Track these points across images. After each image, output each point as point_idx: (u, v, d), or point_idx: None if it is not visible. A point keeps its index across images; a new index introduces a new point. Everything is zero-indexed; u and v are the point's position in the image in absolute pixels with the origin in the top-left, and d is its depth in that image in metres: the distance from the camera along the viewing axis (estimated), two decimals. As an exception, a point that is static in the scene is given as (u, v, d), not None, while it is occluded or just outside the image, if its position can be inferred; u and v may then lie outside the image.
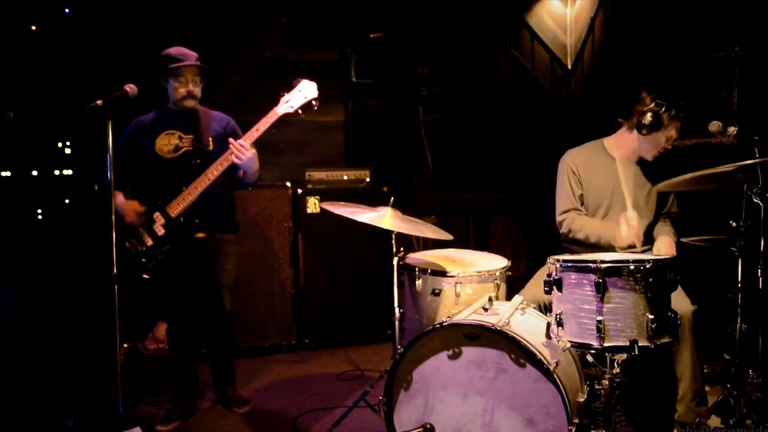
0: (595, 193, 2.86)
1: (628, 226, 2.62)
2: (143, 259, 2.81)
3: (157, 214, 2.84)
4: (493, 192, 5.18)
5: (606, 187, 2.84)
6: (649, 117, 2.67)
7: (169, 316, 3.16)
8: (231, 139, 2.83)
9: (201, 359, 3.24)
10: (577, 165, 2.89)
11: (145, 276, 2.81)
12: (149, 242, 2.83)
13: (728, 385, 2.49)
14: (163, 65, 2.93)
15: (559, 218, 2.90)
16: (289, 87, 2.87)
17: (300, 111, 2.86)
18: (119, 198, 2.92)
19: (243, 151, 2.80)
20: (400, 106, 4.86)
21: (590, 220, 2.83)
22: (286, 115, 2.86)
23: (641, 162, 2.88)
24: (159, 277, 2.86)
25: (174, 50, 2.94)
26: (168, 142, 2.95)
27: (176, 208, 2.83)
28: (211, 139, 2.99)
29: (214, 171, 2.83)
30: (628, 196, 2.72)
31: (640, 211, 2.77)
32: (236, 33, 4.42)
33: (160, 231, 2.83)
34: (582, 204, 2.90)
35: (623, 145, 2.87)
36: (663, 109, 2.66)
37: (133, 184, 3.00)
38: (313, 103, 2.87)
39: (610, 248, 2.72)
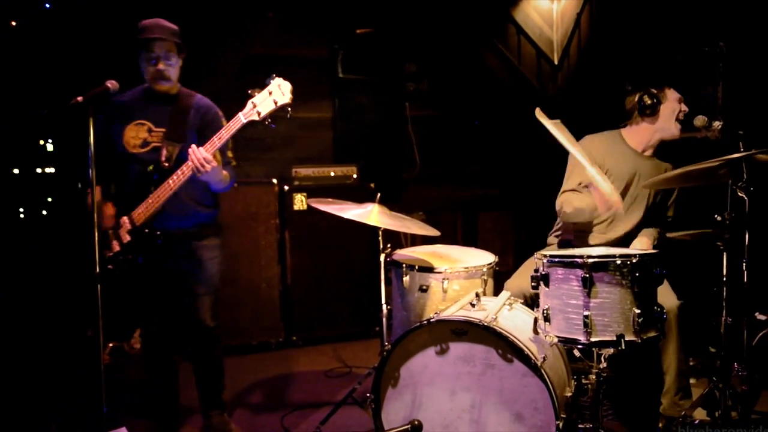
0: (611, 180, 2.84)
1: (605, 182, 2.58)
2: (109, 266, 2.55)
3: (124, 219, 2.57)
4: (482, 187, 5.18)
5: (622, 175, 2.83)
6: (647, 98, 2.76)
7: (142, 327, 2.87)
8: (191, 150, 2.43)
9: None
10: (594, 150, 2.84)
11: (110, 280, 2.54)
12: (116, 247, 2.55)
13: (714, 378, 2.51)
14: (134, 37, 2.58)
15: (558, 198, 2.87)
16: (263, 85, 2.42)
17: (268, 120, 2.41)
18: (97, 196, 2.64)
19: (204, 164, 2.41)
20: (388, 102, 4.84)
21: (578, 194, 2.81)
22: (253, 123, 2.41)
23: (657, 155, 2.91)
24: (127, 285, 2.63)
25: (149, 21, 2.59)
26: (136, 135, 2.60)
27: (141, 216, 2.54)
28: (186, 133, 2.63)
29: (177, 180, 2.49)
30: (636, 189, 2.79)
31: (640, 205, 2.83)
32: (223, 29, 4.38)
33: (126, 237, 2.55)
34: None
35: (639, 136, 2.87)
36: (649, 89, 2.78)
37: (113, 179, 2.73)
38: (288, 110, 2.40)
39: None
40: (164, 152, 2.56)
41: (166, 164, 2.55)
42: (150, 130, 2.61)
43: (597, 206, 2.59)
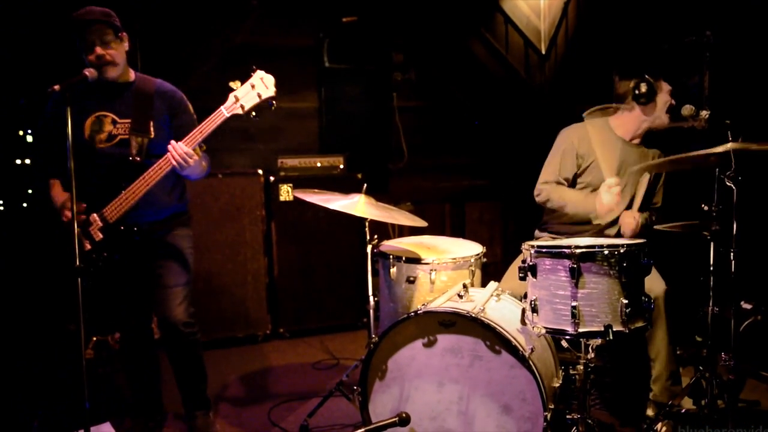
0: (597, 170, 2.82)
1: (608, 193, 2.60)
2: (83, 265, 2.34)
3: (94, 216, 2.42)
4: (469, 178, 5.17)
5: (610, 164, 2.80)
6: (643, 86, 2.74)
7: (119, 329, 2.78)
8: (170, 146, 2.35)
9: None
10: (580, 140, 2.84)
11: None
12: (87, 246, 2.41)
13: (700, 367, 2.52)
14: (68, 32, 2.42)
15: (538, 187, 2.87)
16: (244, 78, 2.36)
17: (253, 113, 2.38)
18: (56, 189, 2.55)
19: (186, 159, 2.34)
20: (374, 92, 4.80)
21: (570, 190, 2.82)
22: (236, 116, 2.37)
23: (645, 143, 2.90)
24: (101, 287, 2.48)
25: (79, 11, 2.42)
26: (100, 129, 2.46)
27: (114, 213, 2.41)
28: (152, 123, 2.49)
29: (153, 176, 2.38)
30: (613, 169, 2.75)
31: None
32: (205, 18, 4.30)
33: (98, 236, 2.42)
34: (574, 181, 2.86)
35: (628, 124, 2.86)
36: (646, 77, 2.76)
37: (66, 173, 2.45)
38: (272, 103, 2.38)
39: (587, 221, 2.78)
40: (133, 145, 2.45)
41: (138, 158, 2.44)
42: (114, 122, 2.48)
43: (586, 209, 2.66)
